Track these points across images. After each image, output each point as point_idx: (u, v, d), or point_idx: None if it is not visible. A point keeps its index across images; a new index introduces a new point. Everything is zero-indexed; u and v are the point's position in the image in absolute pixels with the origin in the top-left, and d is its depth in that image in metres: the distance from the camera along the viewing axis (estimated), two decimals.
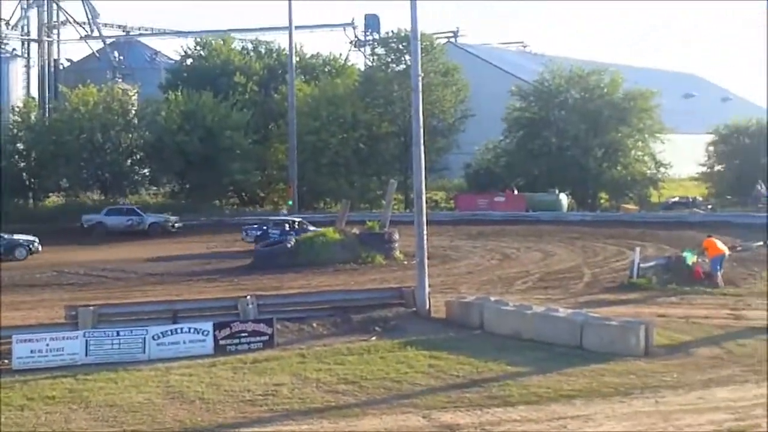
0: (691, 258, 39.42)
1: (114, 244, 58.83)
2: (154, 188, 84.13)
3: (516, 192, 74.52)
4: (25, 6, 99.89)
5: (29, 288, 43.12)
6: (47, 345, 26.74)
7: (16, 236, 54.57)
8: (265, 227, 55.59)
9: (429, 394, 22.59)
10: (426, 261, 33.40)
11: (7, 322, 31.07)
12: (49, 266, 49.52)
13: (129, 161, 76.61)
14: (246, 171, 75.47)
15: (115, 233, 63.41)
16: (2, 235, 53.92)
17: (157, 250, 56.24)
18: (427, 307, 32.39)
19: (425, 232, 33.77)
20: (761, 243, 44.74)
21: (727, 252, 38.72)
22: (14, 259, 52.15)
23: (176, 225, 65.94)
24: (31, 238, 54.77)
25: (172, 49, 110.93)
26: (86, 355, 26.79)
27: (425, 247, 33.58)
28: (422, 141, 33.39)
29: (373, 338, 29.26)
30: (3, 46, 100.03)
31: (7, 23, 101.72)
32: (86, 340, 27.03)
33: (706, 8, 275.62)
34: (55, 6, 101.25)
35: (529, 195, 72.83)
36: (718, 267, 37.86)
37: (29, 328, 28.76)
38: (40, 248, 54.24)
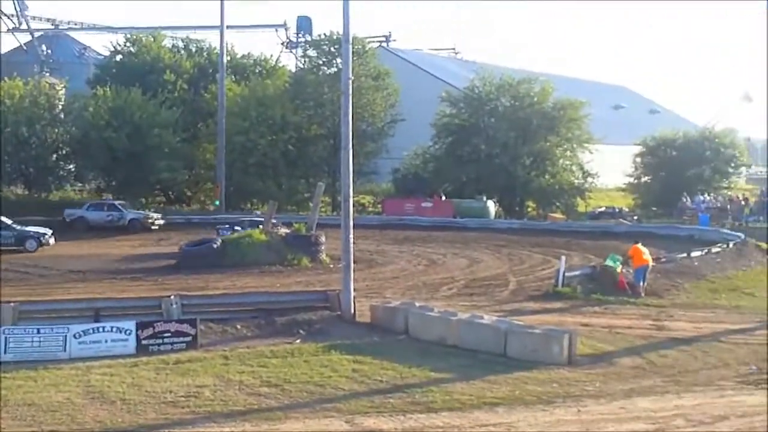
0: (614, 263, 39.77)
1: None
2: (80, 184, 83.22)
3: (444, 198, 74.60)
4: None
5: None
6: None
7: (28, 228, 54.18)
8: (238, 227, 54.71)
9: (352, 399, 22.57)
10: (352, 265, 33.34)
11: None
12: None
13: (54, 156, 75.46)
14: (173, 169, 74.81)
15: (96, 228, 62.73)
16: (14, 225, 53.41)
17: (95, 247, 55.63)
18: (352, 311, 32.34)
19: (352, 235, 33.78)
20: (685, 255, 45.17)
21: (650, 262, 39.04)
22: (25, 251, 51.81)
23: (157, 222, 65.28)
24: (42, 230, 54.33)
25: (101, 44, 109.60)
26: (5, 352, 26.44)
27: (351, 250, 33.57)
28: (351, 144, 33.34)
29: (297, 341, 29.20)
30: None
31: None
32: (5, 338, 26.69)
33: (637, 22, 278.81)
34: None
35: (457, 201, 72.98)
36: (642, 278, 38.18)
37: None
38: (51, 241, 53.95)
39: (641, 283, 38.08)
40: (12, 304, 29.51)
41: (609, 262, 40.25)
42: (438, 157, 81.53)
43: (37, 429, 20.32)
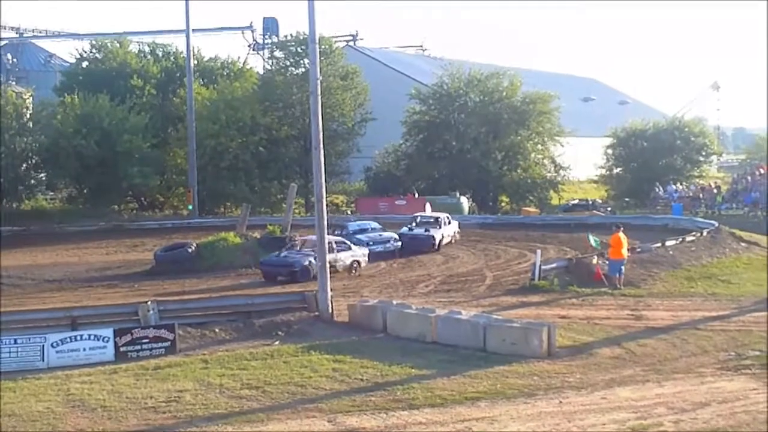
0: (596, 245, 39.96)
1: (18, 250, 57.29)
2: (51, 193, 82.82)
3: (417, 195, 74.72)
4: None
5: None
6: None
7: None
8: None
9: (333, 398, 22.52)
10: (327, 265, 33.40)
11: None
12: None
13: (24, 166, 74.84)
14: (145, 175, 74.31)
15: None
16: None
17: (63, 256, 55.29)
18: (330, 311, 32.35)
19: (326, 236, 33.78)
20: (660, 244, 45.31)
21: (626, 256, 39.08)
22: None
23: None
24: None
25: (66, 51, 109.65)
26: None
27: (326, 250, 33.58)
28: (322, 144, 33.31)
29: (276, 343, 29.13)
30: None
31: None
32: None
33: (604, 13, 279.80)
34: None
35: (431, 198, 72.95)
36: (618, 271, 38.23)
37: None
38: None
39: (618, 276, 38.14)
40: None
41: (592, 238, 40.49)
42: (410, 155, 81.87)
43: None
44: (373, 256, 47.15)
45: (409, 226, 53.30)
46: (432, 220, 54.53)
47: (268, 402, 22.46)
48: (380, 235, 51.55)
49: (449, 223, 54.39)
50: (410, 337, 29.06)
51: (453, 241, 54.01)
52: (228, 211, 76.09)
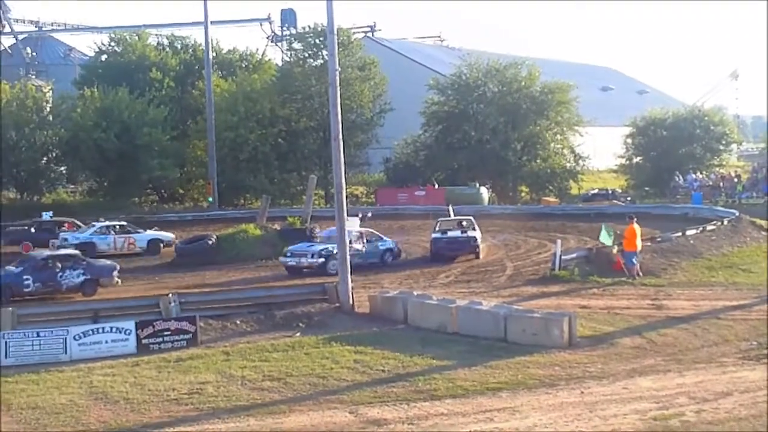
0: (609, 235, 39.90)
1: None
2: (72, 186, 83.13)
3: (436, 186, 74.70)
4: None
5: None
6: None
7: None
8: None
9: (355, 390, 22.53)
10: (348, 256, 33.43)
11: None
12: None
13: (45, 159, 75.33)
14: (164, 168, 74.61)
15: None
16: None
17: None
18: (351, 302, 32.38)
19: (346, 227, 33.80)
20: (680, 233, 45.18)
21: (639, 247, 38.88)
22: None
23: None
24: None
25: (86, 44, 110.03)
26: (6, 357, 26.40)
27: (347, 242, 33.62)
28: (341, 136, 33.32)
29: (297, 334, 29.18)
30: None
31: None
32: (5, 342, 26.62)
33: (623, 2, 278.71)
34: None
35: (450, 189, 73.02)
36: (633, 260, 38.11)
37: None
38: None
39: (635, 265, 38.03)
40: (10, 308, 29.48)
41: (603, 233, 40.39)
42: (429, 146, 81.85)
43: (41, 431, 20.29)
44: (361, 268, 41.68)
45: (439, 230, 47.23)
46: (457, 223, 48.71)
47: (290, 393, 22.49)
48: (378, 245, 45.80)
49: (474, 228, 48.08)
50: (431, 328, 29.06)
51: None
52: (248, 203, 76.18)
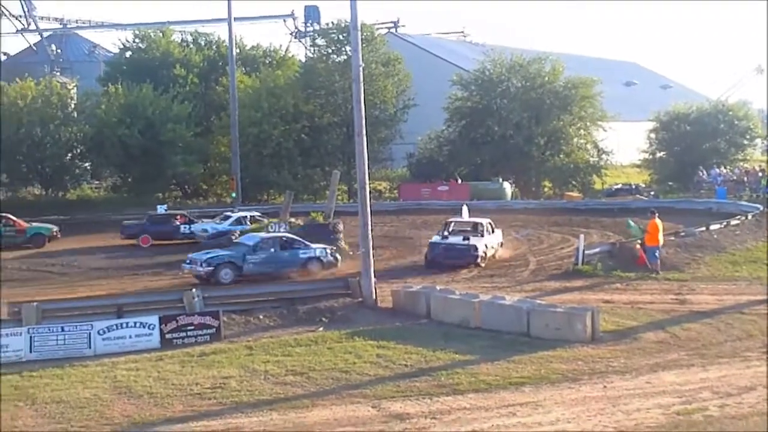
0: (636, 231, 39.88)
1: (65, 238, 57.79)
2: (96, 182, 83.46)
3: (460, 181, 74.64)
4: None
5: None
6: None
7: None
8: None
9: (378, 384, 22.64)
10: (371, 251, 33.43)
11: None
12: None
13: (69, 155, 75.62)
14: (188, 163, 74.73)
15: None
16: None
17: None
18: (374, 296, 32.43)
19: (370, 222, 33.83)
20: (704, 228, 45.05)
21: (661, 242, 38.76)
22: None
23: None
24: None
25: (110, 41, 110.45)
26: (31, 351, 26.60)
27: (370, 236, 33.64)
28: (365, 131, 33.34)
29: (320, 329, 29.30)
30: None
31: None
32: (30, 337, 26.82)
33: None
34: None
35: (473, 184, 73.00)
36: (654, 257, 38.02)
37: None
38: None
39: (656, 261, 37.93)
40: (35, 303, 29.64)
41: (634, 227, 40.39)
42: (452, 141, 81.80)
43: (66, 426, 20.40)
44: None
45: (441, 233, 44.11)
46: (470, 227, 44.97)
47: (313, 388, 22.58)
48: (299, 252, 41.36)
49: (492, 231, 44.82)
50: (454, 323, 29.16)
51: (496, 255, 44.46)
52: (271, 199, 76.23)
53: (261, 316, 30.57)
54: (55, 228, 56.09)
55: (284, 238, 42.39)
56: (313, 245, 41.82)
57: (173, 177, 77.99)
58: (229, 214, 55.55)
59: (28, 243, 53.93)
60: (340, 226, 48.19)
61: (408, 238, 52.88)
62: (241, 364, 25.03)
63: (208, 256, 40.03)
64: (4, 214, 55.65)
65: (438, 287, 32.60)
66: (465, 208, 48.07)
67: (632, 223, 41.74)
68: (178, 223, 54.65)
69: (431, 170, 79.23)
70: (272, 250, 40.80)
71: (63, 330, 27.15)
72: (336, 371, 23.92)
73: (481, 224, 44.51)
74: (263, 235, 43.01)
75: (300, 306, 31.31)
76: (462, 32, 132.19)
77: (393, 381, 22.87)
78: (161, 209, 58.72)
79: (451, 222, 45.59)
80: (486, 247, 42.85)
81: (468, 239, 42.53)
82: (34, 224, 56.01)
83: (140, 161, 72.94)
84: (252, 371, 24.21)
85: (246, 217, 54.13)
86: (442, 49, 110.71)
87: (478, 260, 41.62)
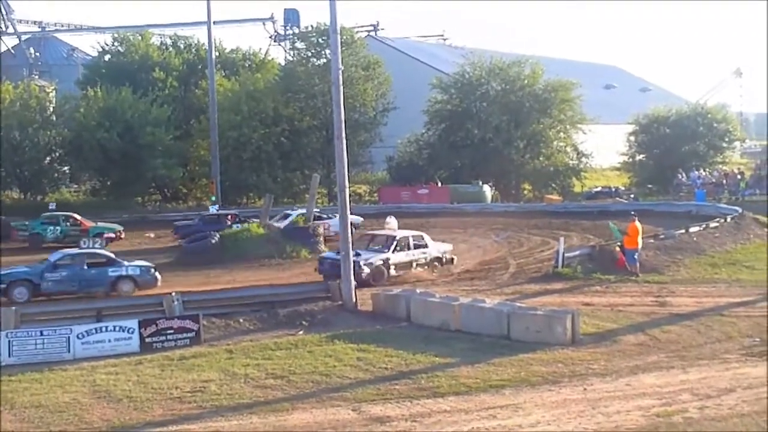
0: (616, 231, 40.00)
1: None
2: (75, 186, 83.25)
3: (440, 184, 74.76)
4: None
5: None
6: None
7: None
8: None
9: (358, 387, 22.58)
10: (351, 254, 33.41)
11: None
12: None
13: (48, 159, 75.52)
14: (168, 167, 74.62)
15: None
16: None
17: None
18: (354, 300, 32.40)
19: (349, 225, 33.95)
20: (683, 230, 45.17)
21: (640, 246, 38.85)
22: None
23: None
24: None
25: (88, 44, 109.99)
26: (9, 356, 26.46)
27: (350, 240, 33.67)
28: (344, 135, 33.33)
29: (300, 332, 29.28)
30: None
31: None
32: (9, 341, 26.67)
33: (627, 2, 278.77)
34: None
35: (453, 187, 73.08)
36: (633, 260, 38.09)
37: None
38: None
39: (635, 264, 38.02)
40: (13, 307, 29.53)
41: (615, 230, 40.52)
42: (432, 144, 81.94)
43: (45, 430, 20.30)
44: None
45: (362, 247, 41.09)
46: (383, 241, 41.42)
47: (293, 391, 22.52)
48: (108, 270, 38.15)
49: (423, 246, 41.04)
50: (434, 326, 29.15)
51: (429, 269, 41.00)
52: (251, 202, 76.19)
53: (241, 320, 30.49)
54: (119, 228, 56.48)
55: (94, 255, 39.96)
56: (128, 263, 38.90)
57: (153, 180, 77.83)
58: (288, 212, 55.44)
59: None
60: (320, 230, 48.25)
61: None
62: (221, 367, 24.95)
63: (2, 273, 37.41)
64: (69, 213, 56.87)
65: (418, 290, 32.56)
66: (391, 219, 46.42)
67: (613, 226, 41.85)
68: (229, 223, 54.47)
69: (411, 173, 79.32)
70: (77, 267, 37.96)
71: (42, 334, 27.01)
72: (316, 374, 23.85)
73: (394, 238, 40.74)
74: (70, 251, 40.37)
75: (280, 309, 31.24)
76: (442, 35, 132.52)
77: (373, 384, 22.82)
78: (213, 209, 58.86)
79: (374, 235, 43.38)
80: (386, 263, 39.27)
81: (359, 254, 38.25)
82: (100, 224, 56.66)
83: (119, 165, 72.74)
84: (232, 375, 24.14)
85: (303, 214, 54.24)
86: (421, 52, 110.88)
87: (364, 277, 37.44)
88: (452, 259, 42.35)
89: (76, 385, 23.73)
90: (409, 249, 40.46)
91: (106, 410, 21.48)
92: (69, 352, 26.94)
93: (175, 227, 56.52)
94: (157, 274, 39.02)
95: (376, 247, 40.87)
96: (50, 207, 63.83)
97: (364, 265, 38.02)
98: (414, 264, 40.48)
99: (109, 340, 27.45)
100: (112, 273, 37.89)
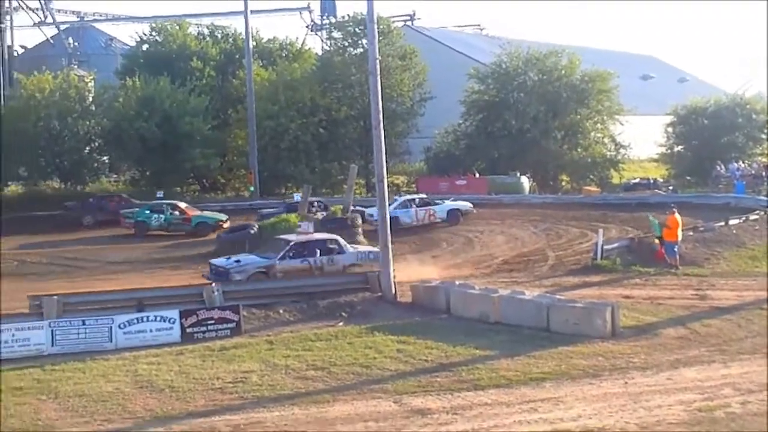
0: (655, 224, 39.78)
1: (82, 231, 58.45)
2: (115, 175, 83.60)
3: (477, 175, 74.55)
4: None
5: None
6: (12, 335, 26.81)
7: None
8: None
9: (399, 379, 22.69)
10: (390, 245, 33.42)
11: None
12: (11, 256, 49.15)
13: (87, 148, 75.87)
14: (206, 157, 74.81)
15: None
16: None
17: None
18: (393, 291, 32.49)
19: (388, 216, 33.91)
20: (723, 223, 44.92)
21: (680, 238, 38.67)
22: None
23: None
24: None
25: (126, 34, 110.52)
26: (52, 345, 26.86)
27: (388, 231, 33.61)
28: (382, 125, 33.33)
29: (340, 324, 29.40)
30: None
31: None
32: (52, 330, 27.04)
33: None
34: None
35: (491, 178, 72.81)
36: (672, 252, 37.93)
37: None
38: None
39: (675, 256, 37.85)
40: (56, 297, 29.76)
41: (654, 223, 40.31)
42: (469, 134, 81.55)
43: (89, 419, 20.52)
44: None
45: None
46: (279, 245, 38.51)
47: (334, 383, 22.64)
48: None
49: (335, 252, 38.11)
50: (473, 318, 29.21)
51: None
52: (289, 192, 76.21)
53: (281, 311, 30.72)
54: (223, 218, 57.32)
55: None
56: None
57: (191, 170, 77.95)
58: (396, 197, 55.98)
59: (194, 231, 55.47)
60: (359, 220, 48.29)
61: (426, 233, 52.67)
62: (262, 358, 25.11)
63: None
64: (174, 202, 58.73)
65: (457, 282, 32.58)
66: (305, 225, 41.93)
67: (653, 219, 41.66)
68: (315, 210, 54.13)
69: (448, 164, 79.01)
70: None
71: (84, 324, 27.38)
72: (357, 366, 23.97)
73: (288, 243, 38.04)
74: None
75: (320, 301, 31.45)
76: (478, 26, 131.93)
77: (414, 376, 22.91)
78: (297, 197, 59.00)
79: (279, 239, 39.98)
80: (269, 270, 36.56)
81: (238, 261, 37.39)
82: (206, 213, 58.11)
83: (158, 154, 72.79)
84: (273, 366, 24.29)
85: (411, 200, 55.47)
86: (458, 42, 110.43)
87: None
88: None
89: (119, 375, 24.00)
90: (312, 255, 37.49)
91: (149, 400, 21.71)
92: (111, 341, 27.26)
93: (260, 215, 56.12)
94: None
95: (270, 254, 37.89)
96: (157, 195, 65.32)
97: (235, 272, 36.17)
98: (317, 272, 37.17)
99: (151, 330, 27.78)
100: None
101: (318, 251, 37.52)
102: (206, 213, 58.16)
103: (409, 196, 56.39)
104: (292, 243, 37.82)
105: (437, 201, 55.50)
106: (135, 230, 56.32)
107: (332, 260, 37.51)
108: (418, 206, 54.30)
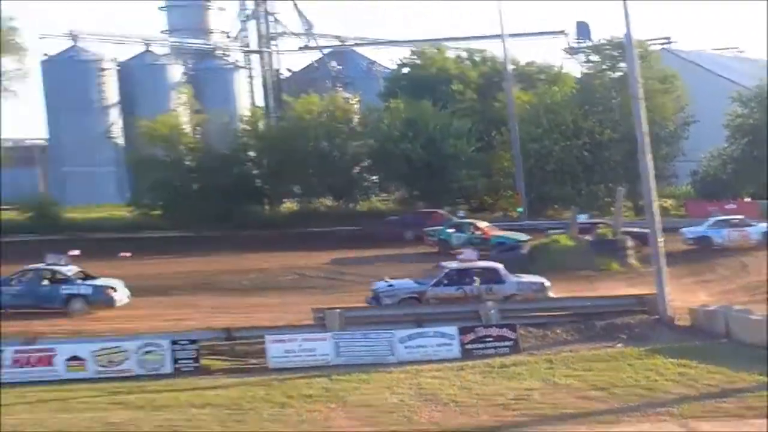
0: None
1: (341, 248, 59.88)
2: (384, 195, 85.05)
3: (749, 200, 72.64)
4: (244, 19, 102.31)
5: (273, 291, 44.60)
6: (300, 345, 27.96)
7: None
8: None
9: (683, 403, 22.36)
10: (665, 268, 32.99)
11: (257, 322, 32.54)
12: (290, 270, 50.84)
13: (357, 168, 77.96)
14: (472, 177, 75.54)
15: None
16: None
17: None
18: (670, 314, 32.03)
19: (661, 239, 33.45)
20: None
21: None
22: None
23: None
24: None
25: (386, 58, 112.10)
26: (337, 355, 27.67)
27: (662, 254, 33.23)
28: (649, 149, 33.06)
29: (619, 345, 29.21)
30: (226, 58, 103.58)
31: (228, 35, 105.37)
32: (336, 342, 27.93)
33: None
34: (272, 18, 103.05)
35: (763, 203, 70.67)
36: None
37: (279, 329, 29.90)
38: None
39: None
40: (338, 310, 30.74)
41: None
42: (735, 159, 79.53)
43: (377, 429, 21.06)
44: None
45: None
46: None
47: (616, 404, 22.53)
48: (61, 288, 38.91)
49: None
50: (754, 344, 28.31)
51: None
52: (557, 214, 75.95)
53: (558, 330, 30.73)
54: (524, 238, 55.11)
55: (50, 272, 39.22)
56: (84, 282, 38.76)
57: (459, 191, 78.59)
58: (711, 218, 56.58)
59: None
60: (629, 243, 47.79)
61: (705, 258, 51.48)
62: (542, 376, 25.23)
63: None
64: (473, 221, 60.10)
65: (735, 307, 31.84)
66: (468, 252, 39.85)
67: None
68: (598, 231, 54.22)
69: (715, 188, 77.37)
70: (31, 283, 38.67)
71: (366, 336, 28.13)
72: (638, 388, 23.81)
73: (443, 268, 37.76)
74: (31, 267, 39.95)
75: (597, 321, 31.30)
76: (737, 48, 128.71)
77: (698, 400, 22.56)
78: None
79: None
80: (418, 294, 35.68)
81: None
82: (506, 233, 58.00)
83: (424, 175, 73.91)
84: (554, 384, 24.39)
85: (726, 220, 55.41)
86: (717, 64, 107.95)
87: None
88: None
89: (403, 387, 24.56)
90: (469, 283, 36.01)
91: (434, 413, 22.12)
92: (392, 354, 27.94)
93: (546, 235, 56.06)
94: (114, 294, 38.59)
95: (429, 279, 37.43)
96: (458, 215, 66.38)
97: (386, 297, 35.74)
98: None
99: (431, 345, 28.35)
100: (64, 291, 38.49)
101: (476, 279, 36.39)
102: (506, 233, 57.90)
103: (723, 216, 55.82)
104: (447, 270, 37.11)
105: (752, 223, 54.67)
106: (438, 248, 56.61)
107: (491, 289, 35.87)
108: (731, 227, 53.60)
